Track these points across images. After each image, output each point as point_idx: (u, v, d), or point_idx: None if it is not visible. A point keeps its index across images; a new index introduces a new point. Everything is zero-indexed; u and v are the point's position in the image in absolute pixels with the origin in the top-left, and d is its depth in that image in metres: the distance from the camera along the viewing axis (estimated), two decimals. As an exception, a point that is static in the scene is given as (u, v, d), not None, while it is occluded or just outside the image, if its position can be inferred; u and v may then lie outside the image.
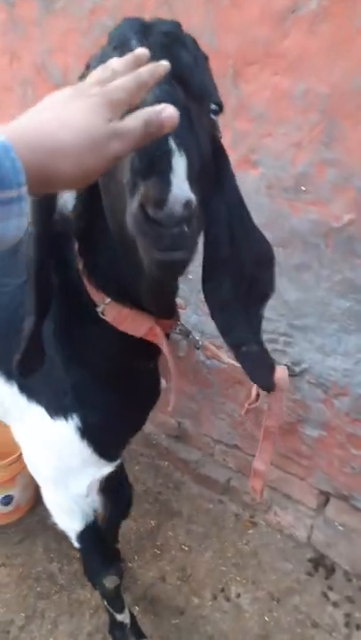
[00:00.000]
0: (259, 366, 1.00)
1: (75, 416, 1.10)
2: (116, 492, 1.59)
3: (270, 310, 1.77)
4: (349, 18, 1.32)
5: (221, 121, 0.86)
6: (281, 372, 1.57)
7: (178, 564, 1.97)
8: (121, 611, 1.55)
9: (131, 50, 0.63)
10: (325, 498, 1.98)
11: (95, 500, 1.29)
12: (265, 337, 1.85)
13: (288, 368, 1.79)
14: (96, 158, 0.53)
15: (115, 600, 1.53)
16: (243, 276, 0.91)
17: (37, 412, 1.13)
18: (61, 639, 1.72)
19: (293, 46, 1.43)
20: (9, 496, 2.10)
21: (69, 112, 0.54)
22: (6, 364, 1.12)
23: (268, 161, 1.59)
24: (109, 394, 1.09)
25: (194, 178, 0.62)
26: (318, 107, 1.43)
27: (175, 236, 0.61)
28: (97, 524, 1.34)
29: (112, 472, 1.26)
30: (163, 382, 1.27)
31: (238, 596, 1.84)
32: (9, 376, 1.15)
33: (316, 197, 1.53)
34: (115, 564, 1.48)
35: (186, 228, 0.61)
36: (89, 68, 0.75)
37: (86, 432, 1.11)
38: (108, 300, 0.94)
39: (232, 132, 1.60)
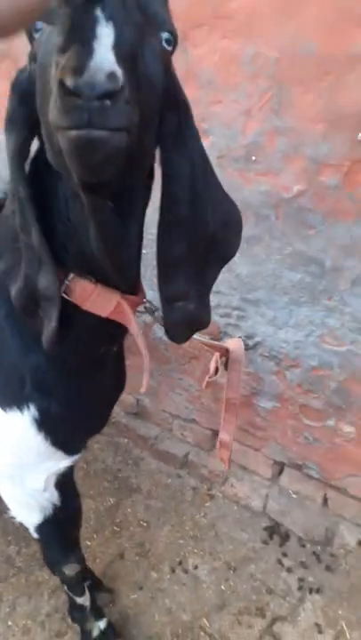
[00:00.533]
0: (181, 321, 0.93)
1: (31, 406, 1.02)
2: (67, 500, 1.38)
3: (223, 284, 1.75)
4: (297, -22, 1.27)
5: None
6: (237, 344, 1.58)
7: (136, 540, 1.97)
8: (81, 594, 1.52)
9: None
10: (280, 467, 2.02)
11: (54, 494, 1.23)
12: (220, 311, 1.85)
13: (242, 340, 1.79)
14: None
15: (75, 585, 1.50)
16: (201, 236, 0.86)
17: None
18: (20, 621, 1.70)
19: (242, 7, 1.38)
20: None
21: None
22: None
23: (218, 130, 1.55)
24: (71, 381, 1.02)
25: (126, 57, 0.53)
26: (268, 72, 1.39)
27: (95, 110, 0.52)
28: (57, 516, 1.27)
29: (69, 468, 1.22)
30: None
31: (196, 567, 1.86)
32: None
33: (267, 168, 1.50)
34: (75, 552, 1.44)
35: (108, 103, 0.52)
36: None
37: (44, 424, 1.03)
38: (71, 275, 0.86)
39: (180, 99, 1.54)
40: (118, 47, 0.52)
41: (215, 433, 2.12)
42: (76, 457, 1.18)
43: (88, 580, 1.67)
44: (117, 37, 0.52)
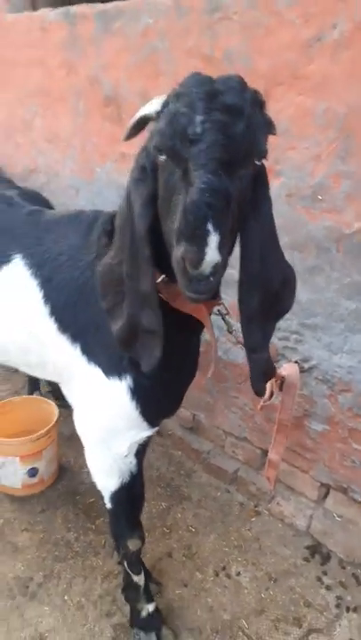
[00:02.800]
0: (261, 372, 1.17)
1: (128, 377, 1.27)
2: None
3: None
4: (367, 48, 1.49)
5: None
6: (293, 369, 1.72)
7: (184, 543, 2.11)
8: (138, 573, 1.68)
9: (193, 127, 0.83)
10: (326, 490, 2.10)
11: (132, 462, 1.45)
12: (279, 334, 2.02)
13: (297, 364, 1.93)
14: None
15: (134, 562, 1.66)
16: (269, 291, 1.09)
17: (95, 372, 1.31)
18: (75, 598, 1.87)
19: (317, 70, 1.61)
20: (34, 469, 2.28)
21: None
22: (72, 328, 1.31)
23: (289, 171, 1.76)
24: (160, 362, 1.23)
25: (225, 242, 0.83)
26: (336, 124, 1.60)
27: (202, 285, 0.85)
28: (130, 486, 1.49)
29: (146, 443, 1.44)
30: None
31: (238, 574, 1.97)
32: (74, 339, 1.33)
33: (331, 206, 1.69)
34: (139, 529, 1.63)
35: (212, 279, 0.83)
36: (161, 112, 0.94)
37: (136, 393, 1.28)
38: (163, 277, 1.10)
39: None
40: (221, 242, 0.81)
41: (265, 452, 2.24)
42: (154, 430, 1.39)
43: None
44: (221, 238, 0.81)
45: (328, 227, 1.71)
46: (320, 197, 1.71)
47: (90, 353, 1.33)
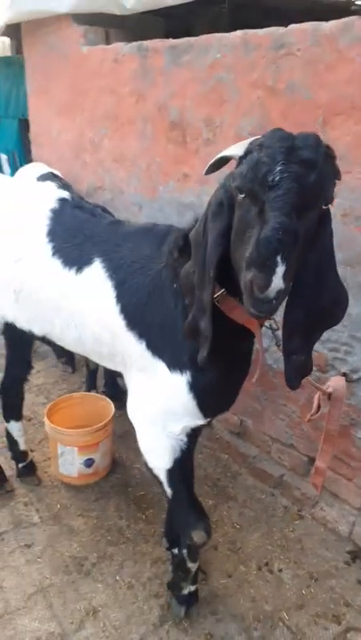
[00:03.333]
0: (297, 370, 1.31)
1: (188, 372, 1.45)
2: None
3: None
4: None
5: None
6: (340, 382, 1.83)
7: (229, 538, 2.23)
8: (195, 561, 1.80)
9: (273, 175, 0.99)
10: (369, 497, 2.18)
11: (184, 440, 1.59)
12: (329, 345, 2.14)
13: (346, 375, 2.04)
14: None
15: (195, 552, 1.77)
16: (316, 309, 1.23)
17: (159, 365, 1.49)
18: (125, 578, 2.02)
19: (374, 102, 1.76)
20: (91, 459, 2.47)
21: None
22: (139, 326, 1.51)
23: (345, 193, 1.90)
24: (216, 363, 1.39)
25: (290, 272, 1.00)
26: (391, 152, 1.74)
27: (266, 307, 1.02)
28: (182, 463, 1.61)
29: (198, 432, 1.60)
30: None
31: (280, 570, 2.07)
32: (140, 336, 1.52)
33: (383, 226, 1.82)
34: (206, 519, 1.69)
35: (275, 302, 1.00)
36: (243, 157, 1.09)
37: (194, 387, 1.46)
38: (222, 290, 1.30)
39: (316, 168, 1.94)
40: (287, 272, 0.98)
41: (311, 459, 2.34)
42: (208, 420, 1.55)
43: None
44: (287, 269, 0.97)
45: (380, 244, 1.84)
46: (373, 217, 1.85)
47: (154, 348, 1.51)
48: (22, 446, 2.50)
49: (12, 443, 2.50)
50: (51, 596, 1.92)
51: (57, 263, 1.66)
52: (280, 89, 2.06)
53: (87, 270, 1.62)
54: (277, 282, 0.97)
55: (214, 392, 1.50)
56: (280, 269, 0.97)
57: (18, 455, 2.51)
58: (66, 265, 1.65)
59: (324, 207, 1.09)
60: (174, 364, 1.46)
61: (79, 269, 1.63)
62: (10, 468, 2.54)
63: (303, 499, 2.40)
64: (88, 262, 1.63)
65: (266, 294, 0.98)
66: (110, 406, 2.62)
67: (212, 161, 1.23)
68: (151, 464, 1.66)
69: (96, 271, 1.61)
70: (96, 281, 1.60)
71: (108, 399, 2.71)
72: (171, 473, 1.63)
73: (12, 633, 1.77)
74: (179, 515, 1.76)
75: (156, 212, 2.92)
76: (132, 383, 1.66)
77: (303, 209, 1.01)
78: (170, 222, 1.75)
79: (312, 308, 1.22)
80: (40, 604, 1.89)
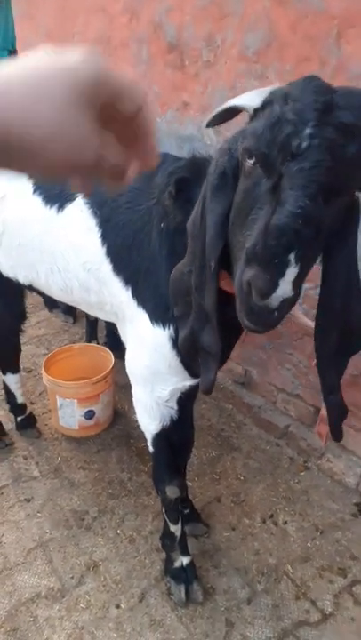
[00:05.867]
0: (338, 415, 1.14)
1: (171, 327, 1.30)
2: (180, 427, 1.64)
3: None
4: None
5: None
6: None
7: (233, 490, 2.18)
8: (175, 522, 1.73)
9: (300, 140, 0.72)
10: (379, 449, 2.09)
11: (174, 407, 1.49)
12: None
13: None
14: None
15: (172, 511, 1.71)
16: (349, 326, 1.02)
17: (143, 316, 1.35)
18: (127, 532, 1.99)
19: None
20: (91, 411, 2.39)
21: (39, 64, 0.41)
22: (125, 270, 1.35)
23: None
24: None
25: (302, 277, 0.77)
26: None
27: (265, 319, 0.79)
28: (169, 433, 1.54)
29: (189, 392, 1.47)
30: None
31: (285, 522, 2.02)
32: (126, 282, 1.37)
33: None
34: (179, 478, 1.68)
35: (276, 314, 0.77)
36: (261, 110, 0.82)
37: (177, 342, 1.29)
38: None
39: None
40: (299, 277, 0.75)
41: (318, 410, 2.25)
42: (197, 380, 1.40)
43: (187, 510, 1.91)
44: (300, 273, 0.75)
45: None
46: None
47: (139, 297, 1.36)
48: (20, 399, 2.43)
49: (9, 395, 2.43)
50: (50, 550, 1.90)
51: (37, 201, 1.50)
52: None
53: (69, 208, 1.45)
54: (285, 287, 0.74)
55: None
56: (291, 271, 0.74)
57: (16, 408, 2.45)
58: (47, 203, 1.48)
59: (357, 194, 0.85)
60: (157, 317, 1.31)
61: (61, 207, 1.46)
62: (10, 421, 2.49)
63: (309, 450, 2.32)
64: (70, 199, 1.45)
65: (267, 302, 0.75)
66: (111, 357, 2.52)
67: (218, 110, 0.94)
68: (142, 425, 1.58)
69: (78, 208, 1.43)
70: (78, 219, 1.43)
71: (108, 350, 2.61)
72: (157, 437, 1.55)
73: (10, 589, 1.75)
74: (156, 471, 1.69)
75: (154, 147, 2.69)
76: (126, 337, 1.53)
77: (333, 192, 0.75)
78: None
79: (343, 329, 0.99)
80: (40, 558, 1.87)
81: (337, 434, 1.19)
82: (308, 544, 1.94)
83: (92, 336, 3.00)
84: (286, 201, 0.74)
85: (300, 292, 0.82)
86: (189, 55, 2.27)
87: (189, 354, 1.18)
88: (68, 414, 2.39)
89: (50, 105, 0.39)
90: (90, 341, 2.95)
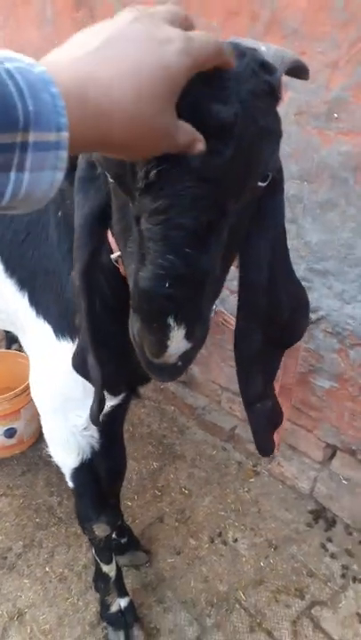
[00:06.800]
0: (265, 425, 0.92)
1: None
2: (107, 455, 1.40)
3: (290, 252, 1.67)
4: None
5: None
6: None
7: (177, 507, 1.96)
8: (108, 562, 1.49)
9: (145, 168, 0.50)
10: (332, 451, 1.93)
11: (93, 436, 1.23)
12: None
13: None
14: (160, 124, 0.45)
15: (103, 550, 1.46)
16: (277, 325, 0.82)
17: (44, 328, 1.07)
18: (57, 568, 1.73)
19: None
20: (12, 429, 2.10)
21: (137, 57, 0.42)
22: (19, 272, 1.07)
23: (299, 84, 1.44)
24: (117, 326, 1.01)
25: (200, 323, 0.61)
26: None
27: (169, 373, 0.64)
28: (92, 463, 1.28)
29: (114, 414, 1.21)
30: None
31: (236, 540, 1.83)
32: (21, 285, 1.08)
33: (350, 126, 1.39)
34: (108, 512, 1.40)
35: (180, 364, 0.62)
36: None
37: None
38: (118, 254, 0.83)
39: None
40: (190, 331, 0.58)
41: (265, 409, 2.06)
42: (119, 398, 1.16)
43: (124, 538, 1.67)
44: (189, 327, 0.58)
45: (345, 152, 1.42)
46: (336, 115, 1.41)
47: (38, 305, 1.09)
48: None
49: None
50: (-35, 603, 1.62)
51: None
52: None
53: None
54: (176, 346, 0.59)
55: (117, 361, 1.08)
56: (176, 333, 0.57)
57: None
58: None
59: (261, 185, 0.61)
60: (62, 329, 1.04)
61: None
62: None
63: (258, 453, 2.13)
64: None
65: (163, 359, 0.61)
66: (33, 364, 2.22)
67: None
68: (56, 460, 1.31)
69: None
70: None
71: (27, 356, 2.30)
72: (77, 472, 1.28)
73: None
74: (79, 508, 1.40)
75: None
76: (29, 353, 1.25)
77: (218, 207, 0.53)
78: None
79: (271, 328, 0.81)
80: None
81: (266, 447, 0.97)
82: (262, 563, 1.75)
83: (12, 340, 2.66)
84: (148, 254, 0.53)
85: (205, 333, 0.65)
86: (100, 13, 1.95)
87: (80, 370, 0.94)
88: (-14, 433, 2.09)
89: (151, 106, 0.43)
90: (9, 347, 2.62)
